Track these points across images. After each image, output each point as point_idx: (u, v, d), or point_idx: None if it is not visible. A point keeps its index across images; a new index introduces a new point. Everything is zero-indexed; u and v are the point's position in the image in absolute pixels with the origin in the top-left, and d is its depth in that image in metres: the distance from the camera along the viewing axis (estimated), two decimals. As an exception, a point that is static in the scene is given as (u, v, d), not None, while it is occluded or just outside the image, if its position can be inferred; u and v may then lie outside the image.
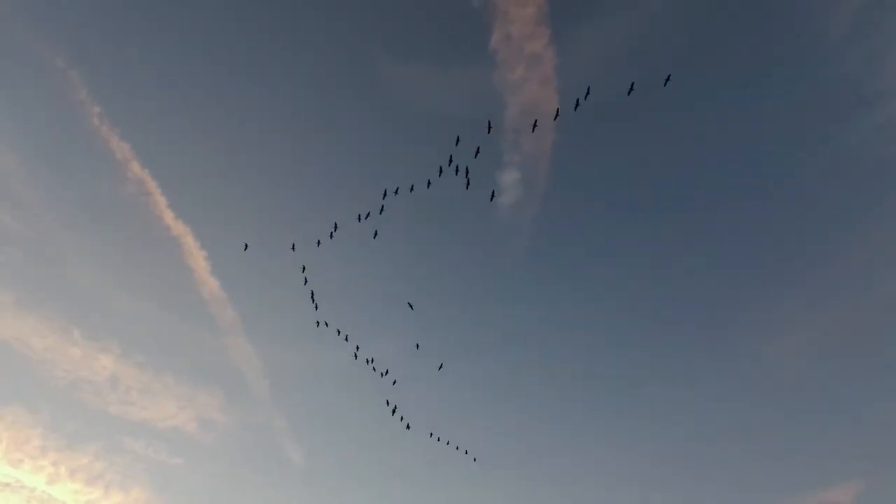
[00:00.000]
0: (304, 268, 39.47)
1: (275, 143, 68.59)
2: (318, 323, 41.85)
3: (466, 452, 47.23)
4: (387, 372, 43.26)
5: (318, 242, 38.79)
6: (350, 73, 66.20)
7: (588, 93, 31.23)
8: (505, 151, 65.06)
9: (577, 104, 31.62)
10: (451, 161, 34.72)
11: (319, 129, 67.22)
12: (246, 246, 40.59)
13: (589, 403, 78.84)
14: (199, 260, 58.78)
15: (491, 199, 38.16)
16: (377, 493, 69.49)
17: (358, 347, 42.03)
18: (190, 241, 55.89)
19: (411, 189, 36.20)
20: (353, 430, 70.96)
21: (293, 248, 39.31)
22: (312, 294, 40.24)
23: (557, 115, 32.42)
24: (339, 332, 41.94)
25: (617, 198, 77.45)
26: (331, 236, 38.41)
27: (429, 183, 35.84)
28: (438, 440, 45.76)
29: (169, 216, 55.79)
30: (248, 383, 67.30)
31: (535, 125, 33.69)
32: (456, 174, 35.30)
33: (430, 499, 68.74)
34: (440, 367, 46.38)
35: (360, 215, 37.42)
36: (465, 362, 78.73)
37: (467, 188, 35.76)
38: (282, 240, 65.90)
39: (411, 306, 43.02)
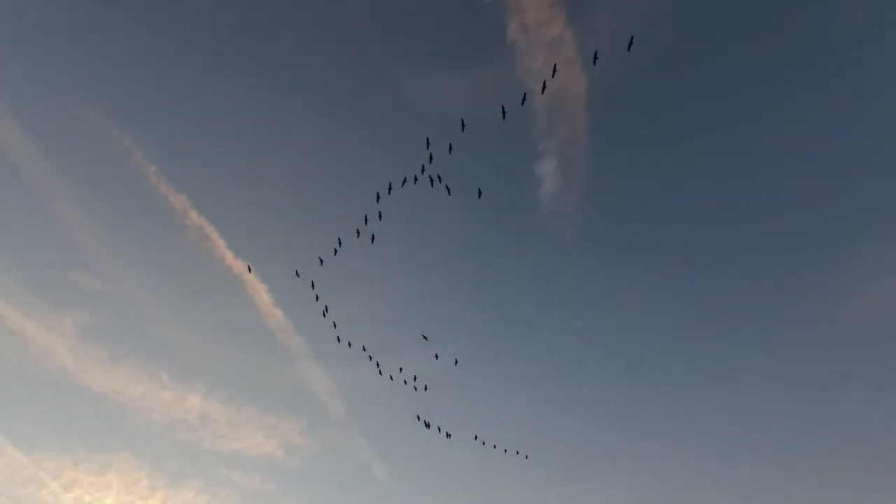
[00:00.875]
0: (312, 284, 40.52)
1: (310, 173, 71.24)
2: (338, 339, 42.60)
3: (517, 453, 46.90)
4: (419, 383, 43.47)
5: (321, 261, 39.81)
6: (375, 91, 67.69)
7: (631, 42, 30.43)
8: (539, 141, 64.16)
9: (595, 57, 30.96)
10: (428, 162, 34.53)
11: (357, 155, 69.19)
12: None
13: (667, 383, 75.83)
14: (261, 293, 61.65)
15: (479, 197, 37.63)
16: (460, 501, 69.96)
17: (378, 364, 42.51)
18: (250, 277, 58.86)
19: (389, 190, 36.23)
20: (423, 442, 72.19)
21: (321, 263, 40.48)
22: (326, 309, 41.04)
23: (596, 58, 31.40)
24: (364, 348, 42.57)
25: (666, 171, 74.44)
26: (335, 252, 39.18)
27: (404, 181, 35.76)
28: (494, 447, 45.54)
29: (229, 256, 59.02)
30: (325, 405, 69.75)
31: (554, 70, 32.36)
32: (432, 185, 35.17)
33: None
34: (455, 363, 45.84)
35: (357, 230, 38.07)
36: (518, 363, 78.02)
37: (449, 194, 35.68)
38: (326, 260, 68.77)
39: (426, 338, 43.05)
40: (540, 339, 79.10)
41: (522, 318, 78.45)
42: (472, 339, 77.91)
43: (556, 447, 73.47)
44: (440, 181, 35.93)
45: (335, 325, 42.72)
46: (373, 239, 38.95)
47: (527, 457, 47.61)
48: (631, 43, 30.53)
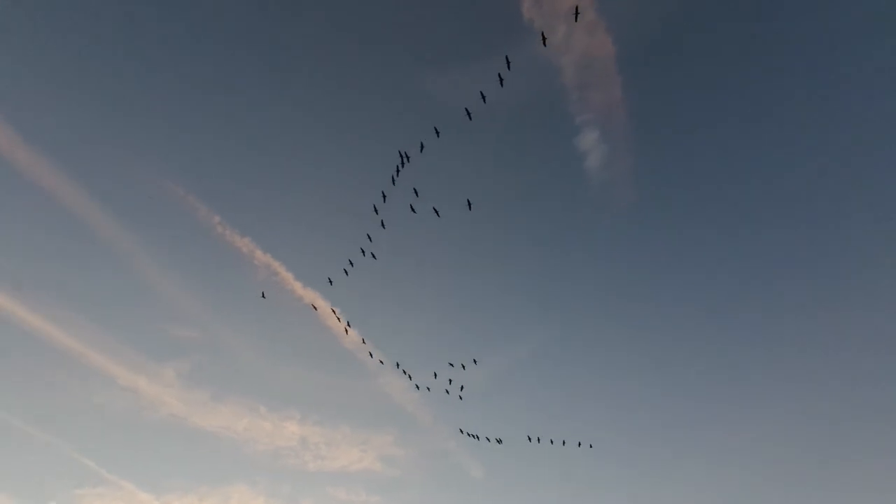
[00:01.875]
0: (333, 310, 41.22)
1: (350, 189, 73.47)
2: (370, 354, 42.96)
3: (582, 444, 46.16)
4: (457, 391, 43.07)
5: (331, 281, 40.42)
6: (400, 97, 68.72)
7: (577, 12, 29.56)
8: (575, 114, 62.28)
9: (576, 12, 30.03)
10: (403, 162, 34.02)
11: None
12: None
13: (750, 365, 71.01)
14: (333, 317, 64.29)
15: (438, 216, 37.11)
16: (557, 493, 69.40)
17: (410, 376, 42.36)
18: (322, 303, 61.42)
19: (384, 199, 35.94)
20: (512, 438, 72.48)
21: (330, 283, 41.23)
22: (348, 325, 41.41)
23: (577, 13, 30.12)
24: (397, 365, 42.84)
25: (719, 120, 69.95)
26: (346, 273, 39.75)
27: (384, 197, 35.18)
28: (558, 442, 44.50)
29: (298, 287, 61.84)
30: (412, 415, 71.24)
31: (576, 13, 31.06)
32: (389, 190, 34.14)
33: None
34: (475, 363, 45.10)
35: (363, 250, 38.26)
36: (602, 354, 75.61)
37: (413, 212, 35.15)
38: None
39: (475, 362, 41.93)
40: (607, 322, 76.69)
41: (587, 299, 76.43)
42: (542, 331, 76.91)
43: (625, 435, 72.04)
44: (383, 200, 35.65)
45: (364, 341, 43.50)
46: (374, 255, 39.52)
47: (591, 445, 47.21)
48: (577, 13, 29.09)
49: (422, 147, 34.09)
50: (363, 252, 38.96)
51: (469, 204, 36.52)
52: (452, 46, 65.98)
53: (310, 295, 63.18)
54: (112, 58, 64.61)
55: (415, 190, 36.41)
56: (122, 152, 66.47)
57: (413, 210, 36.79)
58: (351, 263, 40.69)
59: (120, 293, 68.09)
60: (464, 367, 44.63)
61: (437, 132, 33.60)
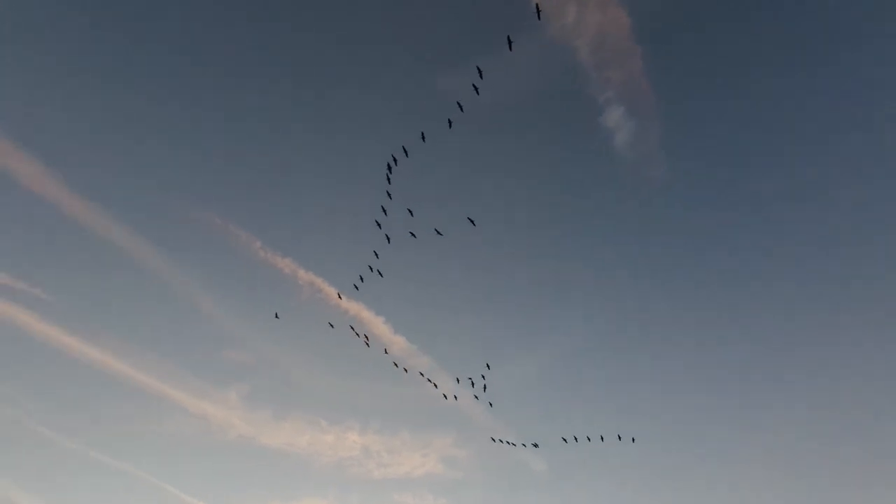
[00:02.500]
0: (351, 328, 41.31)
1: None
2: (396, 364, 42.71)
3: (633, 438, 44.98)
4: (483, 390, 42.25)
5: (339, 295, 40.33)
6: (418, 103, 69.31)
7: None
8: (597, 94, 61.00)
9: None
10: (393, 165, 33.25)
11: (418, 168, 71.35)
12: (356, 286, 43.77)
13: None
14: (379, 325, 65.51)
15: (414, 237, 36.85)
16: (624, 481, 68.26)
17: (436, 385, 41.35)
18: (367, 314, 62.74)
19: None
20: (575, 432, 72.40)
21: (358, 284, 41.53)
22: (367, 339, 41.22)
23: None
24: (421, 374, 42.52)
25: (743, 86, 66.79)
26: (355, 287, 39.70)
27: (378, 220, 34.85)
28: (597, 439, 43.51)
29: (342, 302, 63.67)
30: (468, 414, 71.71)
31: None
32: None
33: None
34: (488, 368, 44.07)
35: (369, 269, 38.10)
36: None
37: (385, 215, 34.93)
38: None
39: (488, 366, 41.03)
40: (641, 313, 74.65)
41: (616, 285, 74.67)
42: (579, 329, 75.89)
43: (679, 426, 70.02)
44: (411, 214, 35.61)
45: (386, 351, 43.52)
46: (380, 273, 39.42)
47: (633, 440, 45.81)
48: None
49: (405, 152, 33.84)
50: (370, 268, 39.30)
51: (472, 221, 36.40)
52: (460, 49, 66.06)
53: (354, 307, 64.99)
54: (142, 92, 68.30)
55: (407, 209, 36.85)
56: (158, 185, 69.72)
57: (411, 226, 36.87)
58: (362, 279, 41.15)
59: (177, 324, 71.50)
60: (483, 377, 44.31)
61: (461, 107, 32.92)
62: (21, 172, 59.90)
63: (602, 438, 45.24)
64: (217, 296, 71.68)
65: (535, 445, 46.14)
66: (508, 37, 31.43)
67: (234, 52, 69.38)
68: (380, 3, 66.66)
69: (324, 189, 76.11)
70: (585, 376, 76.96)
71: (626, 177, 68.44)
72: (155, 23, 67.07)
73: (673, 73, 67.46)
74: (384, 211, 37.17)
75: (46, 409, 61.91)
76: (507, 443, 45.95)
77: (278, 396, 74.24)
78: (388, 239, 38.66)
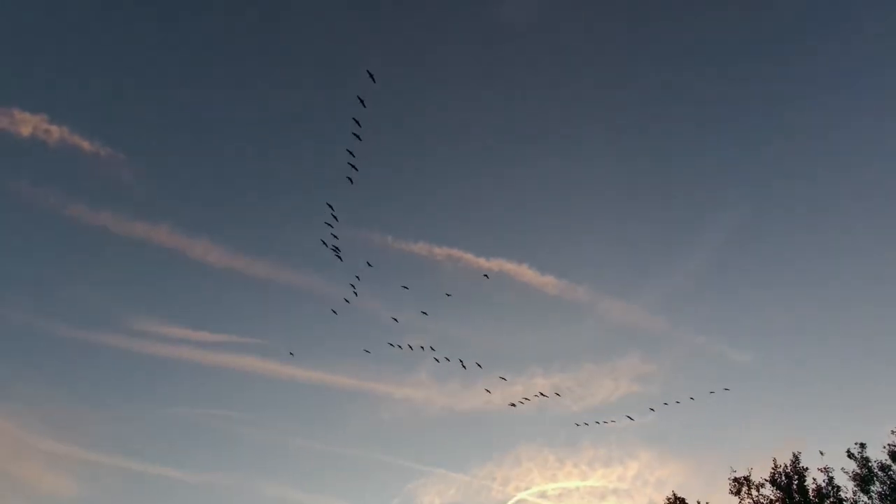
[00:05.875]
0: (410, 347, 41.24)
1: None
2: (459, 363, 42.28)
3: None
4: None
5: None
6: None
7: None
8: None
9: None
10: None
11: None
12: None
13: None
14: (525, 272, 70.57)
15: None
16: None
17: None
18: (510, 266, 68.78)
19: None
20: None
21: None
22: (434, 353, 40.98)
23: None
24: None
25: None
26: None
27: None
28: None
29: (483, 262, 66.65)
30: (646, 329, 79.48)
31: None
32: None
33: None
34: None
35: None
36: None
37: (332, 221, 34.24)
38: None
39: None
40: None
41: None
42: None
43: None
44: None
45: (433, 349, 42.66)
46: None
47: None
48: None
49: (362, 102, 31.49)
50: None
51: None
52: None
53: (497, 263, 68.55)
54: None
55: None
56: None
57: None
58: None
59: (363, 326, 76.54)
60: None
61: (371, 76, 31.07)
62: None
63: None
64: (377, 293, 75.71)
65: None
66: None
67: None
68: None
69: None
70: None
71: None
72: None
73: None
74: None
75: (307, 428, 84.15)
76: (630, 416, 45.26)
77: (459, 367, 79.29)
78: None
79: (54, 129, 64.40)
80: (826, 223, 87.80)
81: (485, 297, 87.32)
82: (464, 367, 41.48)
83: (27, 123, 62.91)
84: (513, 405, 44.17)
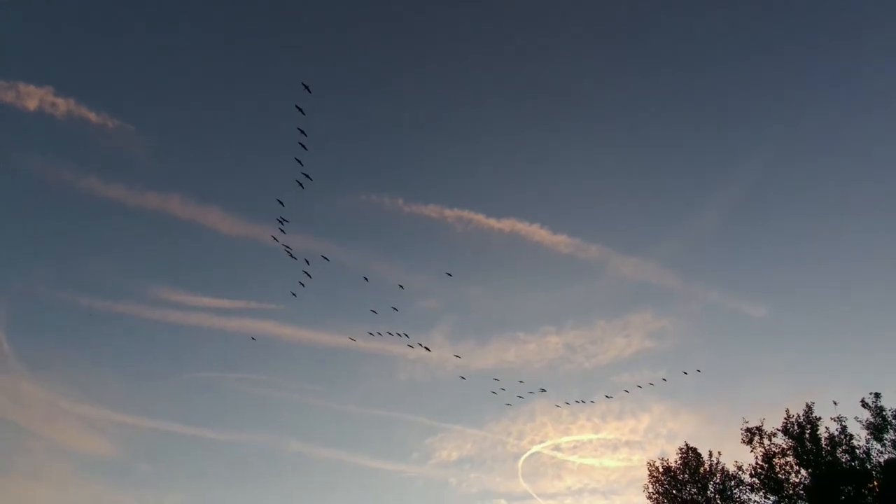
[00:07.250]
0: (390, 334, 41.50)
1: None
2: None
3: None
4: None
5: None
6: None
7: None
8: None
9: None
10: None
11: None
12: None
13: None
14: (537, 232, 73.79)
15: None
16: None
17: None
18: (521, 226, 71.96)
19: None
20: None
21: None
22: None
23: None
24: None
25: None
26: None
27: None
28: None
29: (493, 222, 71.16)
30: (658, 285, 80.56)
31: None
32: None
33: None
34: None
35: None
36: None
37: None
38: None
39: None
40: None
41: None
42: None
43: None
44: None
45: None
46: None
47: None
48: None
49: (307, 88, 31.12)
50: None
51: None
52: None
53: (507, 224, 71.19)
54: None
55: None
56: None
57: None
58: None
59: (378, 294, 71.46)
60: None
61: (307, 87, 30.83)
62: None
63: None
64: (394, 261, 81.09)
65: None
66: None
67: None
68: None
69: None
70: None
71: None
72: None
73: None
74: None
75: (331, 389, 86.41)
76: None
77: (472, 326, 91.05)
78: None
79: (61, 101, 64.37)
80: (840, 176, 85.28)
81: (497, 257, 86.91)
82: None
83: (33, 97, 62.91)
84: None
